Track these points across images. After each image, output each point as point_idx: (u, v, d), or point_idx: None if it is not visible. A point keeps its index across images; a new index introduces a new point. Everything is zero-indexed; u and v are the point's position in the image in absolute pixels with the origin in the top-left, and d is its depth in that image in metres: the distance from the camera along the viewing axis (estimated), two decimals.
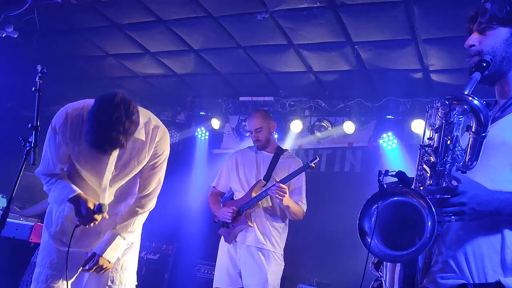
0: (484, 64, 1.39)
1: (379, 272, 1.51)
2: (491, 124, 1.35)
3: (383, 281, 1.46)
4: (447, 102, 1.29)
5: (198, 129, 6.35)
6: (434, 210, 1.21)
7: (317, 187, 4.22)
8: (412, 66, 4.50)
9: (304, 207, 3.44)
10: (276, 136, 5.53)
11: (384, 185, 1.32)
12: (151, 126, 2.40)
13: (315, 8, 3.86)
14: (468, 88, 1.32)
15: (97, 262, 2.30)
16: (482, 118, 1.25)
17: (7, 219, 2.12)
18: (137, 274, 4.33)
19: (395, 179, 1.36)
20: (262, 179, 3.41)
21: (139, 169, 2.43)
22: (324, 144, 5.68)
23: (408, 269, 1.38)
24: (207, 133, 6.35)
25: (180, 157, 6.35)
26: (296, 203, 3.37)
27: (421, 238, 1.22)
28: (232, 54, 4.87)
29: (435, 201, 1.26)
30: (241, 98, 5.95)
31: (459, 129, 1.31)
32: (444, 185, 1.29)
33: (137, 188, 2.53)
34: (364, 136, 5.40)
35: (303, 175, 3.48)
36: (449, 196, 1.26)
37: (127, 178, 2.42)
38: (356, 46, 4.33)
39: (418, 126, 4.83)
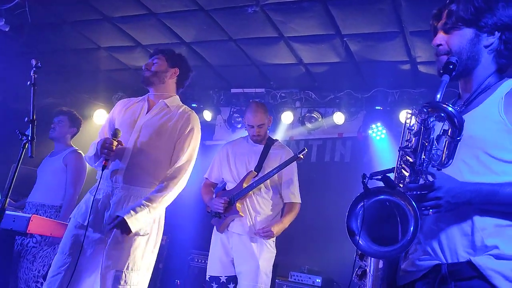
0: (451, 66, 1.46)
1: (363, 262, 1.62)
2: None
3: (367, 269, 1.57)
4: (425, 110, 1.39)
5: None
6: (415, 206, 1.32)
7: (308, 177, 4.31)
8: (400, 57, 4.59)
9: (295, 199, 3.52)
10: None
11: (368, 186, 1.43)
12: (183, 107, 2.80)
13: (304, 1, 3.92)
14: (440, 92, 1.42)
15: (119, 223, 2.35)
16: (457, 123, 1.34)
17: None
18: None
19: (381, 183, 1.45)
20: (253, 170, 3.49)
21: (166, 136, 2.63)
22: (315, 135, 5.78)
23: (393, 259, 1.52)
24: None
25: None
26: (289, 204, 3.49)
27: (406, 233, 1.33)
28: (223, 46, 4.92)
29: (414, 197, 1.36)
30: (233, 90, 6.01)
31: (434, 132, 1.41)
32: (421, 182, 1.39)
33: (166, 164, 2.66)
34: (353, 126, 5.50)
35: (294, 166, 3.55)
36: (427, 191, 1.36)
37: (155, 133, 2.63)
38: (345, 39, 4.40)
39: (406, 116, 4.92)
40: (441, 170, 1.40)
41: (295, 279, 4.73)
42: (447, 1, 1.58)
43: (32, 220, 3.06)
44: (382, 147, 5.27)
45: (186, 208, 5.78)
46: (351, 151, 5.67)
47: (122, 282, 2.38)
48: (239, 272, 3.34)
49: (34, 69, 2.49)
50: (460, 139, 1.36)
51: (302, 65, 5.13)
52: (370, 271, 1.55)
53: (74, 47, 5.41)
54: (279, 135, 5.63)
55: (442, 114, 1.35)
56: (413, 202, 1.33)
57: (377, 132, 5.28)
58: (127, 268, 2.40)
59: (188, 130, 2.68)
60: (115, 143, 2.52)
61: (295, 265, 4.90)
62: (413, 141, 1.43)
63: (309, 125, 5.63)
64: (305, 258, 5.06)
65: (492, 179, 1.38)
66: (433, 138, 1.40)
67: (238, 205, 3.40)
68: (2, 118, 5.30)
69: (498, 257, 1.34)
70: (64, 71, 5.90)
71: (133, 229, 2.37)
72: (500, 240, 1.35)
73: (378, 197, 1.41)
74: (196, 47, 5.07)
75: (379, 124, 5.27)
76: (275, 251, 3.47)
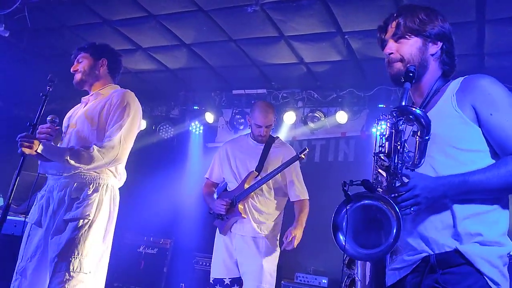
0: (411, 74, 1.57)
1: (351, 270, 1.75)
2: None
3: (355, 276, 1.66)
4: (394, 114, 1.49)
5: (192, 124, 6.38)
6: (396, 207, 1.41)
7: (312, 177, 4.26)
8: None
9: (303, 195, 3.46)
10: None
11: (349, 193, 1.51)
12: (118, 90, 2.75)
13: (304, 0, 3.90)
14: (404, 99, 1.52)
15: (28, 136, 2.30)
16: (424, 124, 1.45)
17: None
18: (136, 269, 4.37)
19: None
20: (254, 170, 3.43)
21: (99, 119, 2.58)
22: (318, 135, 5.74)
23: (379, 262, 1.63)
24: (201, 127, 6.39)
25: (175, 152, 6.39)
26: (299, 201, 3.46)
27: (389, 234, 1.41)
28: (223, 47, 4.90)
29: (394, 198, 1.45)
30: (234, 91, 5.99)
31: (405, 134, 1.51)
32: (397, 183, 1.48)
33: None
34: (356, 125, 5.46)
35: (296, 166, 3.50)
36: (404, 192, 1.46)
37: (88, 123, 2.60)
38: (346, 36, 4.36)
39: None
40: (414, 170, 1.50)
41: (300, 280, 4.69)
42: (394, 15, 1.73)
43: None
44: None
45: (189, 210, 5.77)
46: (355, 150, 5.62)
47: (71, 269, 2.30)
48: (243, 272, 3.30)
49: (50, 83, 2.57)
50: (429, 138, 1.46)
51: (303, 65, 5.09)
52: (358, 278, 1.65)
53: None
54: (282, 135, 5.59)
55: (411, 116, 1.45)
56: (394, 204, 1.41)
57: (381, 130, 5.22)
58: (72, 256, 2.32)
59: (118, 103, 2.59)
60: (50, 126, 2.49)
61: (301, 266, 4.86)
62: (386, 145, 1.52)
63: (311, 125, 5.59)
64: (310, 259, 5.01)
65: (463, 170, 1.49)
66: (404, 140, 1.49)
67: (240, 206, 3.35)
68: (4, 125, 5.30)
69: (482, 243, 1.45)
70: (65, 76, 5.89)
71: (39, 150, 2.28)
72: (483, 227, 1.46)
73: (360, 203, 1.49)
74: (196, 49, 5.05)
75: (382, 122, 5.21)
76: (279, 250, 3.43)
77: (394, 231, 1.38)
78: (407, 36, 1.67)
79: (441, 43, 1.69)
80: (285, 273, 4.75)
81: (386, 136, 1.53)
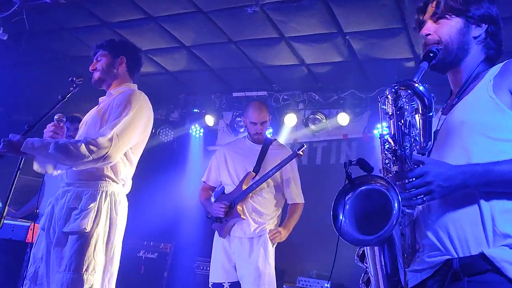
0: (431, 55, 1.47)
1: (365, 264, 1.56)
2: (450, 110, 1.50)
3: (368, 272, 1.52)
4: (393, 90, 1.37)
5: (193, 127, 6.34)
6: (397, 192, 1.29)
7: (313, 180, 4.23)
8: (404, 55, 4.50)
9: (298, 199, 3.45)
10: (270, 130, 5.53)
11: (351, 175, 1.43)
12: (126, 89, 2.62)
13: (305, 0, 3.86)
14: (416, 76, 1.39)
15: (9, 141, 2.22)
16: (426, 100, 1.34)
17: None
18: (136, 274, 4.32)
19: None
20: (252, 171, 3.40)
21: (102, 121, 2.49)
22: (319, 137, 5.69)
23: (388, 253, 1.43)
24: (202, 130, 6.34)
25: (175, 155, 6.34)
26: (293, 205, 3.42)
27: (388, 221, 1.29)
28: (223, 49, 4.86)
29: (403, 186, 1.34)
30: (234, 94, 5.94)
31: (410, 114, 1.38)
32: (407, 169, 1.36)
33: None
34: (358, 127, 5.41)
35: (294, 165, 3.48)
36: (414, 178, 1.33)
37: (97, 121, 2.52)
38: (347, 37, 4.32)
39: None
40: (425, 154, 1.40)
41: (303, 285, 4.62)
42: None
43: (31, 229, 2.99)
44: None
45: (190, 214, 5.72)
46: (357, 152, 5.57)
47: (69, 284, 2.22)
48: (241, 276, 3.25)
49: (74, 84, 2.58)
50: (432, 115, 1.36)
51: (304, 66, 5.05)
52: (371, 274, 1.50)
53: (74, 55, 5.36)
54: (283, 137, 5.54)
55: (410, 91, 1.34)
56: (395, 187, 1.31)
57: (383, 132, 5.18)
58: (73, 272, 2.24)
59: (118, 103, 2.47)
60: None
61: (303, 270, 4.80)
62: (391, 125, 1.41)
63: (313, 127, 5.54)
64: (312, 262, 4.95)
65: (491, 160, 1.33)
66: (409, 120, 1.38)
67: (239, 208, 3.31)
68: (4, 129, 5.25)
69: None
70: (63, 78, 5.85)
71: (22, 149, 2.19)
72: (511, 227, 1.29)
73: (362, 188, 1.41)
74: (196, 51, 5.01)
75: (384, 124, 5.16)
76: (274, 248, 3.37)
77: (394, 217, 1.27)
78: (447, 16, 1.53)
79: (486, 26, 1.54)
80: (287, 277, 4.68)
81: (389, 114, 1.40)
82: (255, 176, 3.38)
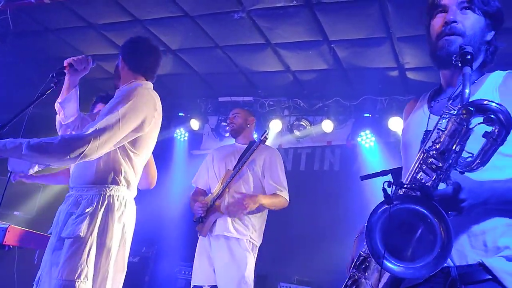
0: (469, 57, 1.28)
1: (360, 273, 1.46)
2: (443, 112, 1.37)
3: (363, 279, 1.43)
4: (471, 109, 1.19)
5: (177, 130, 6.32)
6: (446, 216, 1.18)
7: (297, 185, 4.23)
8: (388, 64, 4.56)
9: (283, 194, 3.37)
10: (255, 135, 5.54)
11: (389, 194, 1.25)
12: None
13: (291, 7, 3.89)
14: (467, 86, 1.22)
15: None
16: (505, 123, 1.17)
17: None
18: None
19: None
20: (231, 169, 3.42)
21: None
22: (304, 143, 5.72)
23: None
24: (187, 134, 6.32)
25: (159, 159, 6.26)
26: (273, 194, 3.35)
27: (435, 245, 1.17)
28: (210, 54, 4.87)
29: (438, 202, 1.23)
30: (220, 99, 5.96)
31: (477, 135, 1.23)
32: (444, 185, 1.26)
33: None
34: (342, 134, 5.46)
35: (278, 159, 3.48)
36: (451, 195, 1.22)
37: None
38: (332, 45, 4.37)
39: (395, 123, 4.92)
40: (463, 173, 1.27)
41: None
42: None
43: (9, 231, 2.94)
44: (372, 155, 5.22)
45: (173, 219, 5.69)
46: (340, 159, 5.61)
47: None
48: (219, 281, 3.22)
49: (56, 80, 2.46)
50: (502, 144, 1.19)
51: (290, 73, 5.08)
52: (369, 282, 1.41)
53: (58, 56, 5.29)
54: (268, 143, 5.52)
55: (492, 116, 1.16)
56: (443, 212, 1.18)
57: (366, 140, 5.24)
58: (66, 278, 2.17)
59: (111, 102, 2.38)
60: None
61: (284, 276, 4.80)
62: (443, 142, 1.25)
63: (297, 133, 5.58)
64: (294, 268, 4.96)
65: (496, 174, 1.30)
66: (468, 141, 1.25)
67: (216, 204, 3.32)
68: None
69: (509, 258, 1.26)
70: (49, 81, 5.79)
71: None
72: (511, 240, 1.28)
73: (406, 207, 1.23)
74: (182, 55, 5.01)
75: (368, 131, 5.23)
76: (252, 253, 3.31)
77: (447, 241, 1.14)
78: (476, 10, 1.41)
79: (495, 32, 1.46)
80: (268, 282, 4.68)
81: (448, 131, 1.24)
82: (232, 172, 3.39)
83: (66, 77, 2.61)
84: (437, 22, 1.46)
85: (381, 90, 5.09)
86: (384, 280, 1.40)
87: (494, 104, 1.17)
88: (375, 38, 4.16)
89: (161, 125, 6.79)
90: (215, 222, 3.34)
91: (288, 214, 3.57)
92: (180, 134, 6.32)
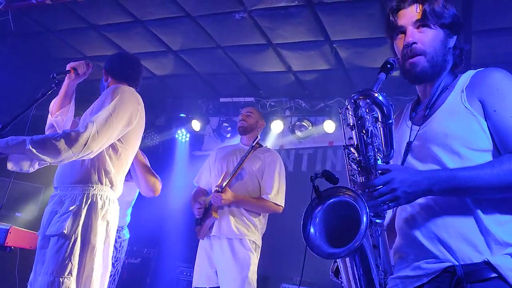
0: (389, 66, 1.43)
1: (339, 279, 1.57)
2: (424, 121, 1.48)
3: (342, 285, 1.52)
4: (352, 100, 1.36)
5: (179, 131, 6.31)
6: (364, 202, 1.31)
7: (299, 186, 4.21)
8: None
9: (273, 198, 3.31)
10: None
11: (318, 187, 1.45)
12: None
13: (292, 7, 3.88)
14: (375, 86, 1.38)
15: None
16: (385, 109, 1.34)
17: None
18: (118, 279, 4.26)
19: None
20: (231, 170, 3.38)
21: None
22: (305, 144, 5.70)
23: (361, 266, 1.45)
24: (188, 135, 6.31)
25: (161, 160, 6.29)
26: (258, 197, 3.32)
27: (356, 234, 1.31)
28: (211, 54, 4.86)
29: (369, 194, 1.34)
30: (222, 99, 5.94)
31: (371, 123, 1.38)
32: (373, 177, 1.36)
33: None
34: None
35: (278, 166, 3.43)
36: (380, 186, 1.33)
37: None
38: (334, 45, 4.36)
39: None
40: (389, 163, 1.40)
41: None
42: None
43: (10, 233, 2.93)
44: None
45: (174, 220, 5.68)
46: (342, 160, 5.58)
47: None
48: (221, 282, 3.20)
49: (56, 81, 2.55)
50: (391, 123, 1.36)
51: (291, 73, 5.07)
52: (344, 285, 1.52)
53: (60, 57, 5.31)
54: (269, 144, 5.55)
55: (369, 101, 1.34)
56: (363, 198, 1.32)
57: None
58: (52, 275, 2.20)
59: (99, 100, 2.46)
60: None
61: (287, 277, 4.79)
62: (353, 136, 1.40)
63: (299, 134, 5.56)
64: (297, 269, 4.94)
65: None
66: (371, 130, 1.38)
67: (213, 207, 3.29)
68: None
69: None
70: (48, 81, 5.79)
71: None
72: None
73: (330, 201, 1.42)
74: (183, 55, 5.00)
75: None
76: (255, 253, 3.29)
77: (362, 228, 1.29)
78: (431, 25, 1.46)
79: (456, 35, 1.52)
80: (270, 284, 4.66)
81: (351, 125, 1.39)
82: (229, 174, 3.36)
83: (66, 81, 2.68)
84: (399, 44, 1.53)
85: (382, 90, 5.04)
86: (353, 282, 1.48)
87: (376, 94, 1.32)
88: (377, 38, 4.15)
89: (163, 126, 6.81)
90: (212, 225, 3.32)
91: (291, 215, 3.54)
92: (182, 135, 6.32)
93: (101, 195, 2.39)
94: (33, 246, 3.13)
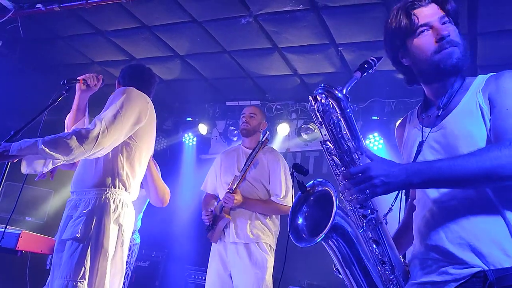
0: (366, 66, 1.48)
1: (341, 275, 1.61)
2: (439, 121, 1.47)
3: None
4: (311, 99, 1.42)
5: (186, 135, 6.35)
6: (334, 188, 1.46)
7: None
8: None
9: (281, 200, 3.32)
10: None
11: (302, 182, 1.61)
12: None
13: (298, 11, 3.91)
14: (347, 85, 1.41)
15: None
16: (342, 103, 1.37)
17: None
18: (127, 282, 4.31)
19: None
20: (238, 174, 3.37)
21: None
22: (312, 147, 5.72)
23: (359, 268, 1.53)
24: (195, 139, 6.35)
25: (168, 164, 6.33)
26: (266, 200, 3.34)
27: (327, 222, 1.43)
28: (217, 58, 4.90)
29: (346, 184, 1.35)
30: (228, 103, 5.98)
31: (336, 117, 1.42)
32: (351, 167, 1.40)
33: None
34: None
35: (282, 166, 3.42)
36: (357, 174, 1.32)
37: None
38: (339, 48, 4.38)
39: None
40: (363, 154, 1.41)
41: None
42: None
43: (21, 237, 2.98)
44: None
45: (183, 223, 5.71)
46: None
47: None
48: (236, 286, 3.21)
49: (67, 87, 2.58)
50: (349, 112, 1.39)
51: (297, 76, 5.10)
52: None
53: (68, 62, 5.38)
54: (276, 147, 5.56)
55: (323, 95, 1.40)
56: (332, 185, 1.47)
57: (374, 143, 5.23)
58: (66, 279, 2.23)
59: (108, 101, 2.50)
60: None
61: (294, 280, 4.80)
62: (326, 132, 1.45)
63: (305, 137, 5.58)
64: (304, 272, 4.95)
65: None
66: (338, 123, 1.41)
67: (225, 209, 3.30)
68: None
69: None
70: (57, 86, 5.85)
71: (11, 152, 2.16)
72: None
73: (312, 196, 1.57)
74: (190, 60, 5.05)
75: (376, 134, 5.22)
76: (270, 254, 3.29)
77: (330, 220, 1.40)
78: (452, 22, 1.48)
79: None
80: (279, 286, 4.66)
81: (319, 121, 1.44)
82: (237, 177, 3.36)
83: (77, 94, 2.72)
84: (428, 39, 1.49)
85: (389, 93, 5.08)
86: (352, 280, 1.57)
87: (330, 88, 1.38)
88: (382, 41, 4.12)
89: (170, 130, 6.83)
90: (226, 227, 3.32)
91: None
92: (189, 139, 6.36)
93: (114, 199, 2.41)
94: (43, 251, 3.17)
